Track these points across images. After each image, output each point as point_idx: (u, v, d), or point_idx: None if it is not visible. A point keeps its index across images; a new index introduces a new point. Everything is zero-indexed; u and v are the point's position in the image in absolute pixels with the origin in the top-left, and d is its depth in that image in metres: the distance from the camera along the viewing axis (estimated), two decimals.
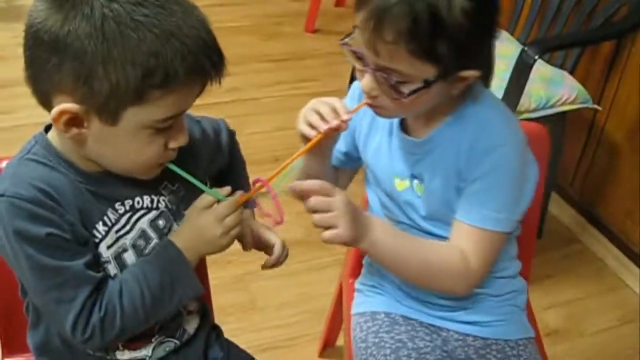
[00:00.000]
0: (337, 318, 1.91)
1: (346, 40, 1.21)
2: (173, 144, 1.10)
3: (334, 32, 3.87)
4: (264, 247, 1.36)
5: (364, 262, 1.58)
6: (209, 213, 1.14)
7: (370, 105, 1.24)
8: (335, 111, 1.23)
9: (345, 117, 1.22)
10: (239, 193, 1.16)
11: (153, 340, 1.24)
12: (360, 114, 1.30)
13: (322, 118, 1.23)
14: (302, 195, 1.18)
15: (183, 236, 1.16)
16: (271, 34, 3.84)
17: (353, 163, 1.47)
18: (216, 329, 1.41)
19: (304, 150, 1.24)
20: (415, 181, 1.33)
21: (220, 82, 1.08)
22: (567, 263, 2.59)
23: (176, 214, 1.21)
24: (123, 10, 0.98)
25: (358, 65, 1.21)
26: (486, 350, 1.42)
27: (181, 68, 1.00)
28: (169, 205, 1.21)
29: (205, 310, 1.37)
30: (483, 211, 1.26)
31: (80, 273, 1.08)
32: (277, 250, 1.35)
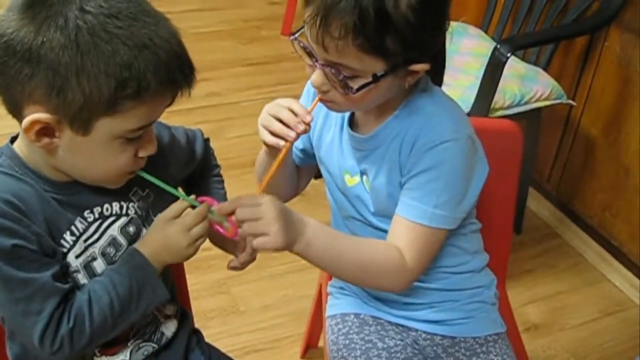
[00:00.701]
0: (318, 319, 1.92)
1: (296, 35, 1.20)
2: (142, 153, 1.11)
3: None
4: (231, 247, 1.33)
5: None
6: (176, 223, 1.15)
7: (322, 101, 1.23)
8: (295, 114, 1.22)
9: (308, 118, 1.22)
10: (206, 203, 1.16)
11: (129, 344, 1.24)
12: (314, 109, 1.29)
13: (286, 125, 1.22)
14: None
15: (149, 245, 1.16)
16: (249, 38, 3.84)
17: (311, 160, 1.46)
18: (197, 333, 1.42)
19: (278, 161, 1.23)
20: (365, 177, 1.33)
21: (189, 93, 1.09)
22: (546, 258, 2.61)
23: (145, 219, 1.22)
24: (97, 22, 0.98)
25: (307, 61, 1.20)
26: (455, 349, 1.43)
27: (154, 80, 1.01)
28: (139, 212, 1.21)
29: (184, 314, 1.37)
30: (421, 206, 1.24)
31: (48, 285, 1.07)
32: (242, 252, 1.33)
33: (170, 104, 1.09)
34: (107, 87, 0.99)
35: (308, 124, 1.22)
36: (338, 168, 1.36)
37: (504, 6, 2.61)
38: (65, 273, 1.12)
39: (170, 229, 1.15)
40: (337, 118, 1.35)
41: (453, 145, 1.23)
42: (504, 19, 2.61)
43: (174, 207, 1.16)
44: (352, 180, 1.34)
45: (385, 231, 1.30)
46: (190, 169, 1.36)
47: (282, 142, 1.23)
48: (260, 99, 3.30)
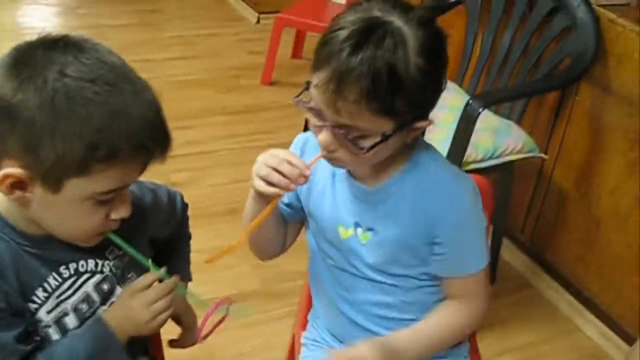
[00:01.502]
0: None
1: (301, 97, 1.21)
2: (114, 215, 1.12)
3: (291, 83, 3.96)
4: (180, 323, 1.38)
5: (309, 316, 1.59)
6: (139, 297, 1.16)
7: (327, 158, 1.24)
8: (294, 166, 1.22)
9: (307, 172, 1.22)
10: (173, 279, 1.18)
11: None
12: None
13: (285, 176, 1.22)
14: None
15: (113, 315, 1.17)
16: (229, 86, 3.90)
17: (298, 213, 1.46)
18: None
19: (267, 211, 1.24)
20: (360, 229, 1.34)
21: (164, 160, 1.11)
22: (519, 308, 2.62)
23: (120, 278, 1.23)
24: (75, 86, 1.00)
25: (315, 122, 1.20)
26: None
27: (125, 146, 1.03)
28: (114, 270, 1.22)
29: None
30: (470, 260, 1.34)
31: (10, 345, 1.08)
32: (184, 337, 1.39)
33: (143, 169, 1.11)
34: (79, 149, 1.00)
35: (307, 178, 1.23)
36: (330, 220, 1.37)
37: (478, 60, 2.67)
38: (31, 332, 1.13)
39: (133, 302, 1.16)
40: (325, 169, 1.35)
41: (467, 201, 1.32)
42: (478, 72, 2.66)
43: (141, 281, 1.17)
44: (346, 233, 1.36)
45: (379, 282, 1.35)
46: (170, 229, 1.38)
47: (282, 192, 1.24)
48: (238, 148, 3.34)
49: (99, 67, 1.04)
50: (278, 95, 3.82)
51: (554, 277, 2.67)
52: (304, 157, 1.33)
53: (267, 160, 1.25)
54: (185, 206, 1.41)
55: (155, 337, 1.47)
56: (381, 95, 1.12)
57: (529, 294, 2.70)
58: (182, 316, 1.36)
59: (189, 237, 1.46)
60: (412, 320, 1.38)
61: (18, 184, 1.05)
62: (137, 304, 1.16)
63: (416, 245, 1.32)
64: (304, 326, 1.63)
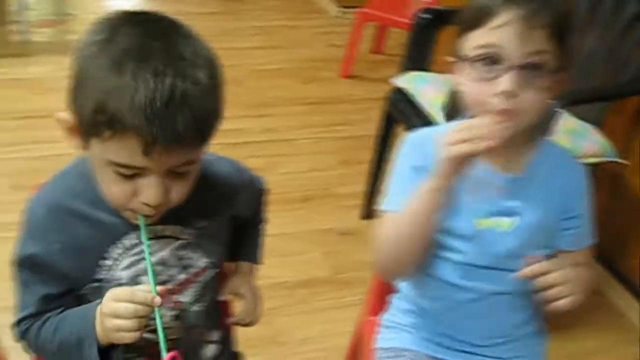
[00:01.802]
0: (356, 355, 1.95)
1: (480, 52, 1.25)
2: (141, 198, 1.10)
3: (369, 78, 4.00)
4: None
5: (392, 299, 1.61)
6: (113, 305, 1.12)
7: (502, 115, 1.22)
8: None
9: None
10: (150, 296, 1.11)
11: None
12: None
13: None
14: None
15: (101, 309, 1.16)
16: (308, 77, 3.96)
17: None
18: (238, 357, 1.47)
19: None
20: (501, 218, 1.35)
21: (167, 153, 1.05)
22: (588, 314, 2.60)
23: (201, 246, 1.27)
24: (113, 52, 1.02)
25: (486, 73, 1.23)
26: None
27: (127, 118, 1.01)
28: (195, 239, 1.26)
29: (226, 338, 1.41)
30: (591, 230, 1.42)
31: (33, 299, 1.21)
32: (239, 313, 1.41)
33: (146, 153, 1.04)
34: (90, 107, 1.03)
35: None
36: (464, 213, 1.36)
37: None
38: (66, 294, 1.23)
39: (105, 307, 1.13)
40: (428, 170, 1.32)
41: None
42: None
43: (122, 292, 1.13)
44: (484, 223, 1.36)
45: (508, 271, 1.33)
46: (250, 210, 1.42)
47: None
48: (313, 138, 3.40)
49: (145, 44, 1.03)
50: (356, 89, 3.87)
51: (625, 285, 2.64)
52: (428, 156, 1.31)
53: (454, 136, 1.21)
54: (264, 190, 1.45)
55: (227, 312, 1.52)
56: (562, 21, 1.23)
57: (598, 301, 2.68)
58: (243, 294, 1.40)
59: (265, 221, 1.49)
60: (524, 310, 1.43)
61: (71, 130, 1.10)
62: (107, 309, 1.12)
63: (551, 224, 1.37)
64: (374, 310, 1.67)
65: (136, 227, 1.17)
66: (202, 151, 1.12)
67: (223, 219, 1.30)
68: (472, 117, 1.27)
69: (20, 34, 4.16)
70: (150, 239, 1.18)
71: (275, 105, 3.59)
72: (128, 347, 1.24)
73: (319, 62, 4.13)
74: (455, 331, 1.45)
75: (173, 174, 1.10)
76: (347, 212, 2.91)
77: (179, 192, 1.13)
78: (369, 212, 2.87)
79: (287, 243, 2.65)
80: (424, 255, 1.37)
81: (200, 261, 1.27)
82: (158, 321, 1.10)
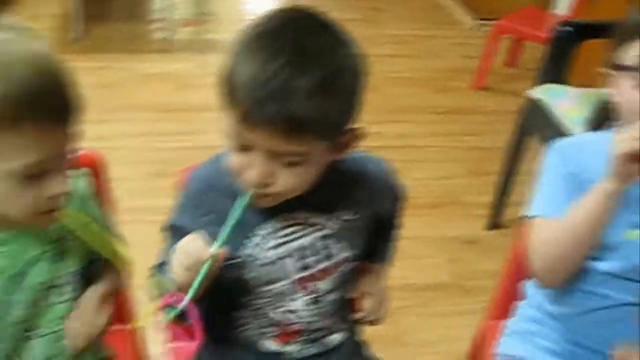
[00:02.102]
0: (475, 359, 1.97)
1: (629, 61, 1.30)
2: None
3: (502, 90, 4.00)
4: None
5: (517, 305, 1.61)
6: (178, 249, 1.16)
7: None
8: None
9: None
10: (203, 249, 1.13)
11: (299, 340, 1.36)
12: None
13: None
14: None
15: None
16: (440, 87, 4.00)
17: None
18: (363, 345, 1.52)
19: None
20: None
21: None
22: None
23: (346, 237, 1.30)
24: None
25: None
26: None
27: (237, 94, 1.06)
28: (340, 230, 1.29)
29: (353, 325, 1.46)
30: None
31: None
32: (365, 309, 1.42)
33: (245, 128, 1.07)
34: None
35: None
36: (615, 225, 1.35)
37: None
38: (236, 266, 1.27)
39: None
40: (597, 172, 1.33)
41: None
42: None
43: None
44: (633, 234, 1.37)
45: None
46: (391, 211, 1.45)
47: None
48: (444, 146, 3.44)
49: (279, 31, 1.08)
50: (487, 101, 3.89)
51: None
52: (581, 163, 1.37)
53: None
54: (404, 199, 1.46)
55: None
56: None
57: None
58: (371, 292, 1.42)
59: (399, 228, 1.51)
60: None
61: None
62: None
63: None
64: (497, 315, 1.70)
65: (284, 210, 1.24)
66: (309, 148, 1.11)
67: (367, 215, 1.34)
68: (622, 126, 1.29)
69: (164, 32, 4.40)
70: (296, 223, 1.26)
71: (408, 112, 3.65)
72: (263, 321, 1.33)
73: (452, 73, 4.16)
74: (589, 340, 1.43)
75: (280, 161, 1.11)
76: (473, 221, 2.94)
77: (287, 180, 1.14)
78: (494, 222, 2.90)
79: (414, 246, 2.71)
80: (583, 260, 1.38)
81: (342, 252, 1.31)
82: (202, 272, 1.11)
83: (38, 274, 1.19)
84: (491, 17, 4.28)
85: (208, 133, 3.25)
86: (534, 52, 4.33)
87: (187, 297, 1.11)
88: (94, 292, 1.27)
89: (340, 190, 1.29)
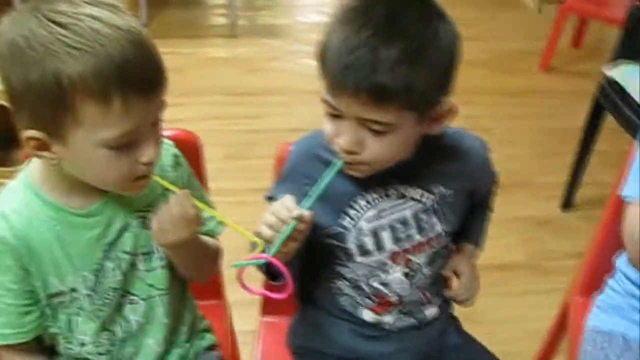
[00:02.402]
0: (555, 339, 1.96)
1: None
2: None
3: (568, 71, 3.97)
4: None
5: (607, 279, 1.61)
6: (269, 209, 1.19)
7: None
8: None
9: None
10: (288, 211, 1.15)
11: (395, 311, 1.38)
12: None
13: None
14: None
15: None
16: (506, 69, 3.98)
17: None
18: (455, 320, 1.55)
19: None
20: None
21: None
22: None
23: (439, 213, 1.32)
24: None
25: None
26: None
27: (327, 61, 1.11)
28: (434, 205, 1.31)
29: (446, 301, 1.49)
30: None
31: None
32: (456, 287, 1.45)
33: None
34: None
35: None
36: None
37: None
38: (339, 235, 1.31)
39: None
40: None
41: None
42: None
43: (275, 204, 1.19)
44: None
45: None
46: (485, 189, 1.47)
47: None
48: (515, 128, 3.43)
49: (372, 5, 1.11)
50: (555, 82, 3.85)
51: None
52: None
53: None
54: (497, 181, 1.48)
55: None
56: None
57: None
58: (462, 271, 1.45)
59: (491, 210, 1.53)
60: None
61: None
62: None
63: None
64: (584, 289, 1.70)
65: (380, 183, 1.28)
66: (395, 118, 1.13)
67: (463, 191, 1.36)
68: None
69: (230, 17, 4.44)
70: (394, 196, 1.29)
71: (476, 94, 3.63)
72: (359, 292, 1.36)
73: (518, 55, 4.13)
74: None
75: (368, 129, 1.15)
76: (546, 202, 2.93)
77: (375, 149, 1.17)
78: (568, 202, 2.89)
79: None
80: None
81: (437, 227, 1.33)
82: (287, 232, 1.14)
83: (127, 243, 1.24)
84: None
85: (275, 116, 3.31)
86: (599, 32, 4.29)
87: (270, 253, 1.14)
88: (186, 198, 1.21)
89: (435, 165, 1.31)
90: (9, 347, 1.23)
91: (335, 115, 1.16)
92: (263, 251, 1.15)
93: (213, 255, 1.39)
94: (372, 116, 1.12)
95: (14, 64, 1.02)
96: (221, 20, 4.57)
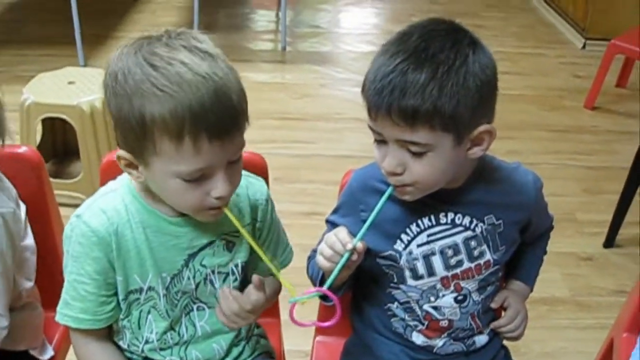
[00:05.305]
0: None
1: None
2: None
3: (612, 111, 3.99)
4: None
5: None
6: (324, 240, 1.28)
7: None
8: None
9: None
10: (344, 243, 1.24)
11: (444, 336, 1.42)
12: None
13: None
14: None
15: None
16: (551, 105, 4.02)
17: None
18: (505, 349, 1.57)
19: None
20: None
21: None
22: None
23: (489, 241, 1.36)
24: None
25: None
26: None
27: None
28: (484, 233, 1.35)
29: (496, 333, 1.51)
30: None
31: None
32: (503, 320, 1.49)
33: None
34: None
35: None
36: None
37: None
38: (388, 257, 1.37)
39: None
40: None
41: None
42: None
43: (330, 235, 1.27)
44: None
45: None
46: (536, 233, 1.50)
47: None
48: (557, 164, 3.46)
49: (407, 37, 1.20)
50: (599, 120, 3.88)
51: None
52: None
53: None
54: (551, 227, 1.54)
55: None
56: None
57: None
58: (510, 305, 1.49)
59: (545, 253, 1.58)
60: None
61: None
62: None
63: None
64: (630, 327, 1.72)
65: (431, 210, 1.33)
66: (430, 139, 1.19)
67: (514, 223, 1.39)
68: None
69: (278, 43, 4.53)
70: (445, 223, 1.34)
71: (518, 129, 3.68)
72: (411, 315, 1.41)
73: (563, 92, 4.17)
74: None
75: (407, 150, 1.21)
76: (589, 238, 2.96)
77: (417, 170, 1.23)
78: (612, 240, 2.91)
79: None
80: None
81: (487, 255, 1.37)
82: (341, 262, 1.23)
83: (207, 259, 1.32)
84: (601, 37, 4.27)
85: (325, 142, 3.35)
86: None
87: (326, 285, 1.23)
88: (254, 301, 1.29)
89: (487, 195, 1.36)
90: (82, 331, 1.32)
91: (381, 141, 1.24)
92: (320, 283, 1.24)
93: (277, 292, 1.46)
94: (407, 137, 1.19)
95: (113, 94, 1.15)
96: (268, 46, 4.67)
